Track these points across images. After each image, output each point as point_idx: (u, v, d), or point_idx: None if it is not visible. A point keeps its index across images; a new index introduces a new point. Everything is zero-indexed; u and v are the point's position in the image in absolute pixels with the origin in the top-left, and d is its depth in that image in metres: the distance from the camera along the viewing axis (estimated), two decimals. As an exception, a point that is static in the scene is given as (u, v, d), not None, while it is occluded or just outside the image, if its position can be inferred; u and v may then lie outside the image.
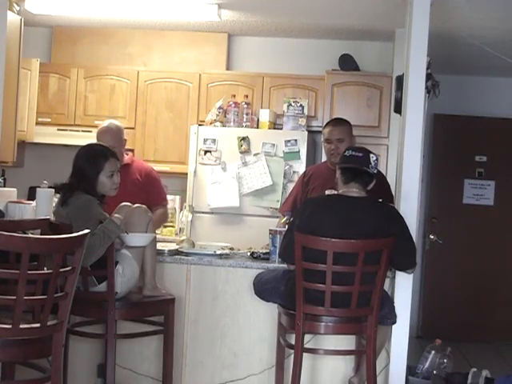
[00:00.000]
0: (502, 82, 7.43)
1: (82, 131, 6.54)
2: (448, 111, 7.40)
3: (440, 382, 4.25)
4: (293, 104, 6.23)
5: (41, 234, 3.76)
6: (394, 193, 4.69)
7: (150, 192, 4.91)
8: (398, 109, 4.48)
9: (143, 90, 6.64)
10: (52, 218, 4.04)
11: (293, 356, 3.74)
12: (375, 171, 3.88)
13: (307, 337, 3.89)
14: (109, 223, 3.74)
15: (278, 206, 5.63)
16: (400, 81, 4.47)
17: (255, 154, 5.99)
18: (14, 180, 6.16)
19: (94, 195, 3.87)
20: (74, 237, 3.17)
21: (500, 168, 7.57)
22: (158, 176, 5.09)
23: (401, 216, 3.87)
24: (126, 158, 4.98)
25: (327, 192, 4.22)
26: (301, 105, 6.23)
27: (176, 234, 6.04)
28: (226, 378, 4.26)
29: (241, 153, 6.10)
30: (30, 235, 3.59)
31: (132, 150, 6.42)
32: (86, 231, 3.19)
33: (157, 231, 4.76)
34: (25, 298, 2.98)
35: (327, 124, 4.98)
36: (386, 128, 6.33)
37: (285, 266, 3.95)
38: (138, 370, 4.28)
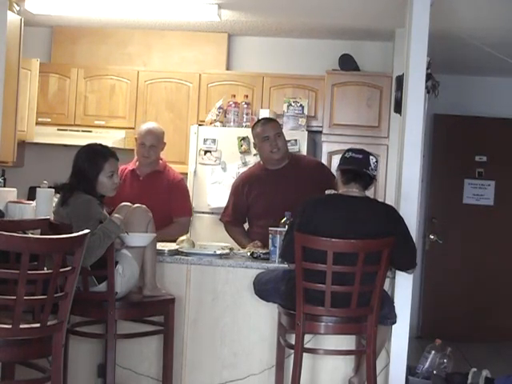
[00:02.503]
0: (502, 82, 7.43)
1: (82, 131, 6.55)
2: (448, 111, 7.40)
3: (440, 381, 4.25)
4: (293, 104, 6.24)
5: (41, 234, 3.76)
6: (393, 193, 4.69)
7: (174, 202, 4.89)
8: (398, 109, 4.48)
9: (143, 89, 6.64)
10: (52, 218, 4.04)
11: (293, 356, 3.74)
12: (375, 173, 3.87)
13: (307, 337, 3.88)
14: (109, 223, 3.74)
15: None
16: (400, 81, 4.47)
17: (255, 154, 5.96)
18: (14, 180, 6.16)
19: (93, 195, 3.87)
20: (74, 237, 3.18)
21: (500, 168, 7.57)
22: (186, 187, 5.08)
23: (401, 216, 3.87)
24: (160, 164, 4.97)
25: (327, 192, 4.22)
26: (301, 105, 6.23)
27: (176, 234, 6.04)
28: (226, 378, 4.25)
29: (241, 153, 6.11)
30: (30, 235, 3.59)
31: (132, 150, 6.43)
32: (86, 231, 3.19)
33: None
34: (25, 298, 2.98)
35: (257, 124, 4.87)
36: (386, 128, 6.33)
37: (285, 265, 3.96)
38: (137, 370, 4.28)
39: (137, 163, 4.99)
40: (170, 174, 4.99)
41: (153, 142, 4.87)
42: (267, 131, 4.76)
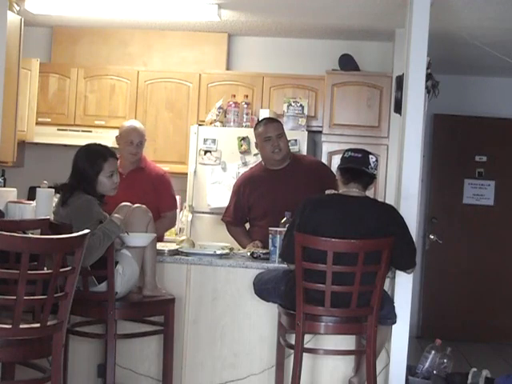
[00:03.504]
0: (502, 82, 7.44)
1: (82, 131, 6.55)
2: (448, 111, 7.41)
3: (440, 381, 4.25)
4: (293, 104, 6.24)
5: (41, 234, 3.76)
6: (393, 193, 4.68)
7: (159, 196, 4.91)
8: (398, 109, 4.48)
9: (143, 89, 6.64)
10: (52, 218, 4.03)
11: (293, 356, 3.74)
12: (375, 172, 3.87)
13: (307, 337, 3.89)
14: (109, 223, 3.74)
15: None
16: (400, 81, 4.47)
17: (255, 154, 5.98)
18: (14, 180, 6.16)
19: (93, 195, 3.88)
20: (74, 237, 3.17)
21: (500, 168, 7.58)
22: (169, 180, 5.07)
23: (401, 216, 3.87)
24: (141, 160, 4.99)
25: (327, 192, 4.22)
26: (301, 105, 6.23)
27: (176, 234, 6.04)
28: (226, 378, 4.25)
29: (241, 153, 6.11)
30: (30, 235, 3.59)
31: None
32: (86, 231, 3.19)
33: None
34: (25, 298, 2.97)
35: (259, 124, 4.85)
36: (386, 128, 6.32)
37: (285, 265, 3.95)
38: (138, 370, 4.28)
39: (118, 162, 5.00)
40: (152, 169, 5.02)
41: (140, 138, 4.93)
42: (269, 131, 4.75)
